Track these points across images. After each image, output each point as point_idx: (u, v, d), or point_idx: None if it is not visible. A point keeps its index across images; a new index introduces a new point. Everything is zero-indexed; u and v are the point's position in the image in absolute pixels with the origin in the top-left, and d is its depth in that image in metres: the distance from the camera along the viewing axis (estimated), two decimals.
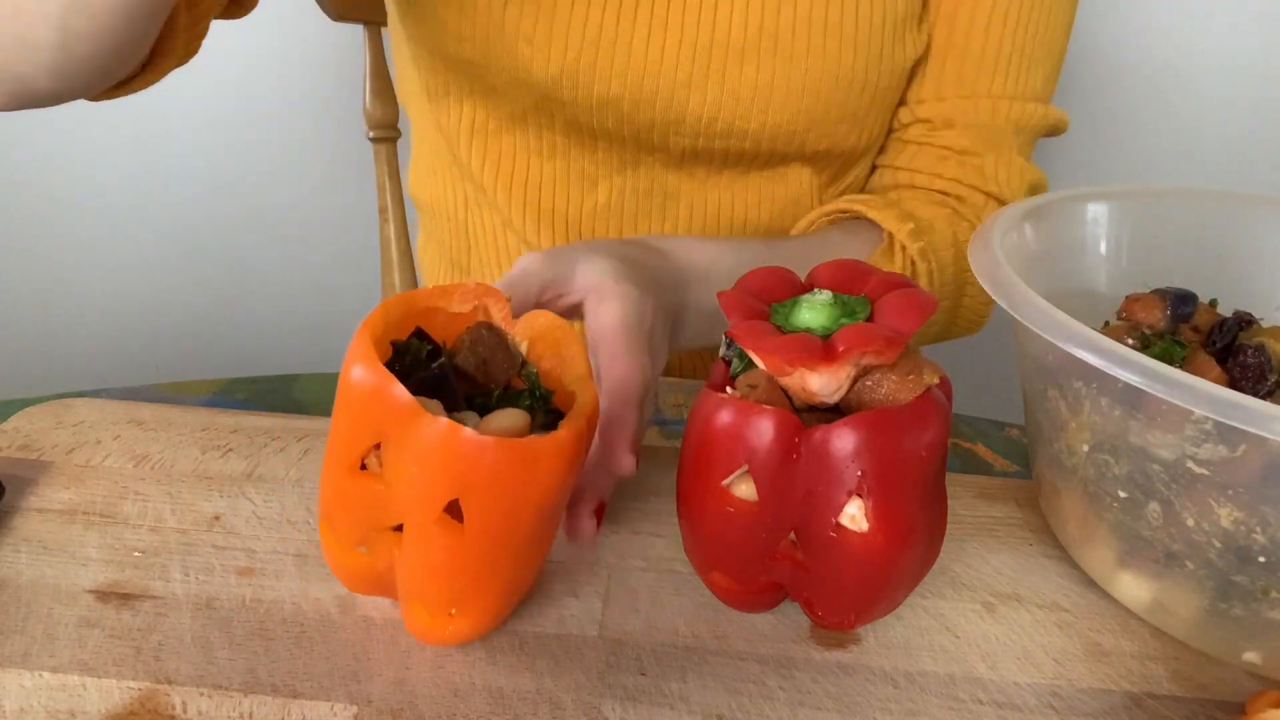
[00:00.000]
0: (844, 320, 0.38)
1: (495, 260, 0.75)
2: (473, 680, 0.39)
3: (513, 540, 0.37)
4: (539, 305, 0.48)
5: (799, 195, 0.70)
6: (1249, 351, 0.43)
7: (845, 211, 0.65)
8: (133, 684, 0.38)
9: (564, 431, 0.36)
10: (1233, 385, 0.44)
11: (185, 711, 0.37)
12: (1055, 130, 0.71)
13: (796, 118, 0.63)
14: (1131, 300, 0.49)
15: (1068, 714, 0.40)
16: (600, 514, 0.44)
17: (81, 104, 1.15)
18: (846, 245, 0.63)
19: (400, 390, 0.34)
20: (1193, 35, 1.05)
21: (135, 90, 0.58)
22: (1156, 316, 0.48)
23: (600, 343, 0.44)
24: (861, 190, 0.73)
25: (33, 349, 1.26)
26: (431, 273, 0.82)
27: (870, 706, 0.39)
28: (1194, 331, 0.48)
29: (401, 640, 0.41)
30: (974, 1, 0.65)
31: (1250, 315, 0.48)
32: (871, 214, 0.63)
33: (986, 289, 0.43)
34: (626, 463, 0.42)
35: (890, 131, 0.71)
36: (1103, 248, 0.55)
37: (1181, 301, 0.48)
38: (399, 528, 0.38)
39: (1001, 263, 0.44)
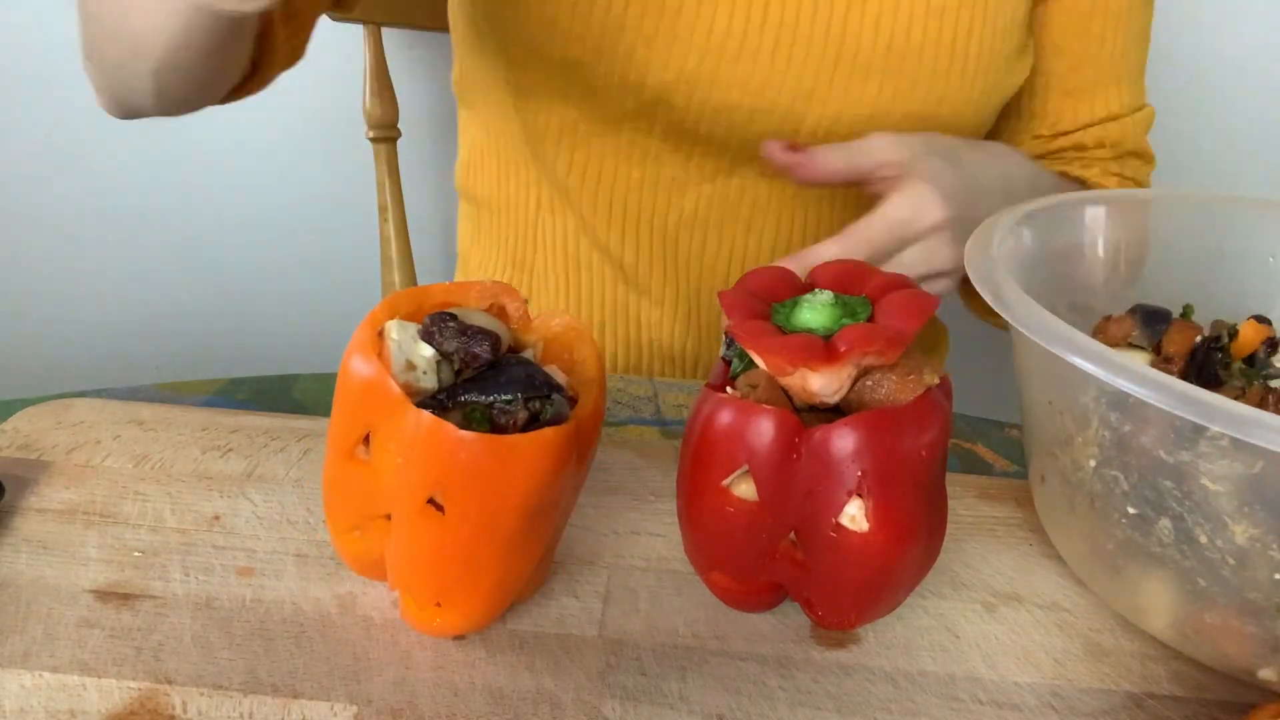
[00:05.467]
0: (845, 321, 0.38)
1: (563, 265, 0.72)
2: (473, 680, 0.39)
3: (496, 536, 0.37)
4: (868, 180, 0.55)
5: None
6: None
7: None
8: (133, 684, 0.38)
9: (550, 430, 0.36)
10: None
11: (185, 711, 0.37)
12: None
13: None
14: (1104, 320, 0.49)
15: (1068, 714, 0.40)
16: None
17: (76, 103, 1.15)
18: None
19: (391, 382, 0.35)
20: (1192, 36, 1.05)
21: (248, 95, 0.61)
22: (1130, 335, 0.48)
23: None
24: None
25: (33, 349, 1.26)
26: (482, 269, 0.80)
27: (870, 706, 0.39)
28: (1166, 362, 0.47)
29: (401, 640, 0.41)
30: (1086, 20, 0.66)
31: (1220, 337, 0.47)
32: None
33: (989, 301, 0.42)
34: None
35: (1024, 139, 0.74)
36: (1101, 252, 0.55)
37: (1153, 319, 0.48)
38: (390, 516, 0.38)
39: (1003, 273, 0.43)
